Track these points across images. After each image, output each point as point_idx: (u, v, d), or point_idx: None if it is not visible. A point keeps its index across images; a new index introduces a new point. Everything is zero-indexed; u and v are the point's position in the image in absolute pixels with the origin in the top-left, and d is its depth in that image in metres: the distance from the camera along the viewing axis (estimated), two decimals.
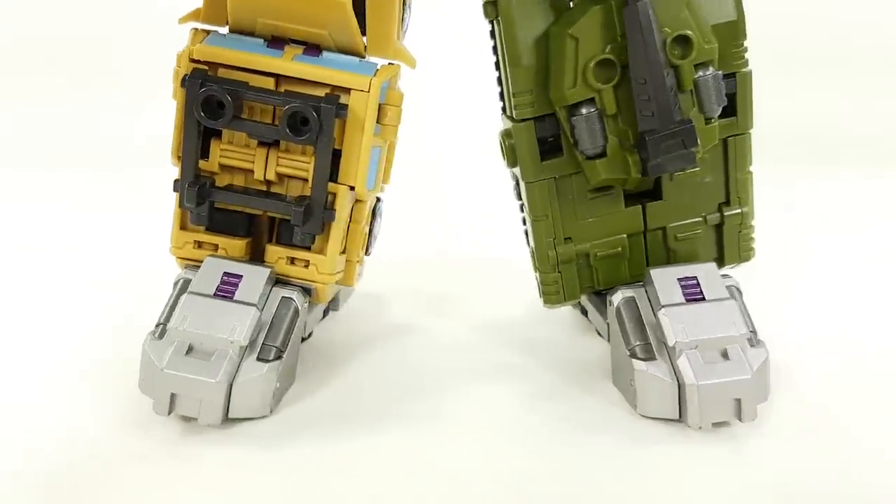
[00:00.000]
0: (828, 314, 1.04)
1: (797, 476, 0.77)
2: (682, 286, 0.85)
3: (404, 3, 0.90)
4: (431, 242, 1.27)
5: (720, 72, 0.83)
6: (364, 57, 0.88)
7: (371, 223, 0.97)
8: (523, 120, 0.87)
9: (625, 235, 0.91)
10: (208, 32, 0.90)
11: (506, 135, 0.89)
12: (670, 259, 0.91)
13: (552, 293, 0.92)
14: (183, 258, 0.91)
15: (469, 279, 1.15)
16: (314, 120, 0.83)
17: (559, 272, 0.91)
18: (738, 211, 0.90)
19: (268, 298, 0.87)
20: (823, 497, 0.75)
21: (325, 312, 1.06)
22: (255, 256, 0.91)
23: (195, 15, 0.90)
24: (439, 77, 1.48)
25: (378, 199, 0.99)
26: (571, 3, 0.85)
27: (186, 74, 0.85)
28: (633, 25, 0.80)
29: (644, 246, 0.92)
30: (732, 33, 0.85)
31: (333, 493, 0.77)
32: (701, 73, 0.83)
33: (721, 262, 0.93)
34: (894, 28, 1.67)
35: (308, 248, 0.89)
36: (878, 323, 1.01)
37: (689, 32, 0.82)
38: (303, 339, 0.99)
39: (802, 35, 1.67)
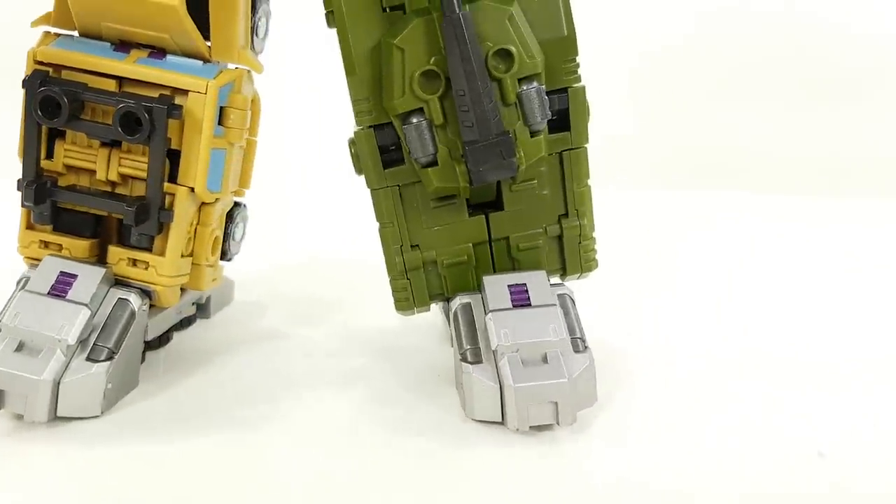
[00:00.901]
0: (676, 327, 1.05)
1: (603, 481, 0.78)
2: (511, 292, 0.87)
3: (255, 9, 0.91)
4: (315, 249, 1.28)
5: (543, 86, 0.84)
6: (209, 61, 0.89)
7: (228, 227, 0.98)
8: (364, 127, 0.88)
9: (470, 244, 0.92)
10: (59, 35, 0.91)
11: (351, 142, 0.90)
12: (514, 268, 0.92)
13: (402, 300, 0.93)
14: (29, 257, 0.92)
15: (349, 287, 1.16)
16: (146, 120, 0.84)
17: (408, 279, 0.92)
18: (577, 223, 0.91)
19: (104, 299, 0.88)
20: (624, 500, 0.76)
21: (193, 319, 1.06)
22: (103, 258, 0.92)
23: (46, 19, 0.91)
24: (313, 83, 1.50)
25: (239, 204, 1.00)
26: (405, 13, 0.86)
27: (27, 76, 0.86)
28: (450, 38, 0.81)
29: (490, 255, 0.93)
30: (563, 49, 0.87)
31: (148, 493, 0.77)
32: (524, 87, 0.84)
33: (564, 272, 0.94)
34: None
35: (150, 250, 0.90)
36: (722, 338, 1.03)
37: (510, 46, 0.83)
38: (158, 344, 0.99)
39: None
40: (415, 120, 0.85)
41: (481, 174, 0.84)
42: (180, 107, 0.85)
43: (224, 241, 0.98)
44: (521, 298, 0.86)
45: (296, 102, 1.53)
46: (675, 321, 1.07)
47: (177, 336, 1.03)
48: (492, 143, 0.83)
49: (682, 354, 0.99)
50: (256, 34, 0.93)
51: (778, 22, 1.71)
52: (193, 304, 1.05)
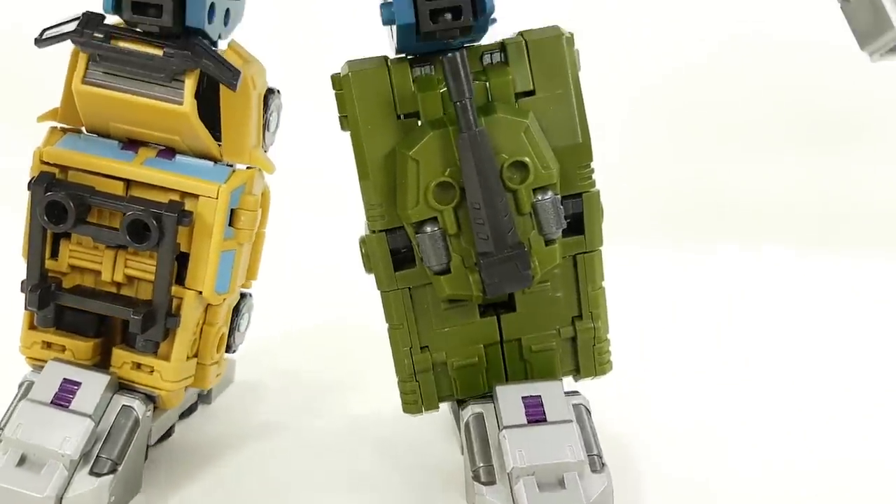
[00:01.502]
0: (688, 430, 1.02)
1: None
2: (525, 405, 0.85)
3: (267, 105, 0.90)
4: (314, 323, 1.25)
5: (559, 196, 0.83)
6: (219, 160, 0.88)
7: (234, 321, 0.96)
8: (376, 231, 0.86)
9: (481, 346, 0.90)
10: (66, 131, 0.89)
11: (362, 242, 0.88)
12: (527, 370, 0.90)
13: (411, 402, 0.91)
14: (32, 358, 0.90)
15: (349, 363, 1.14)
16: (155, 227, 0.82)
17: (417, 381, 0.90)
18: (591, 325, 0.90)
19: (108, 406, 0.86)
20: None
21: (194, 407, 1.04)
22: (106, 357, 0.90)
23: (52, 114, 0.89)
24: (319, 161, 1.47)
25: (245, 296, 0.98)
26: (420, 122, 0.84)
27: (32, 178, 0.84)
28: (466, 153, 0.80)
29: (502, 357, 0.91)
30: (578, 155, 0.85)
31: None
32: (539, 197, 0.83)
33: (578, 374, 0.92)
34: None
35: (155, 354, 0.88)
36: (741, 450, 0.99)
37: (525, 158, 0.82)
38: (162, 439, 0.97)
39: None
40: (429, 230, 0.84)
41: (496, 286, 0.83)
42: (190, 213, 0.84)
43: (229, 334, 0.96)
44: (536, 413, 0.84)
45: (301, 174, 1.50)
46: (688, 423, 1.03)
47: (178, 427, 1.01)
48: (507, 256, 0.81)
49: (699, 467, 0.95)
50: (267, 129, 0.91)
51: (768, 73, 1.70)
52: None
